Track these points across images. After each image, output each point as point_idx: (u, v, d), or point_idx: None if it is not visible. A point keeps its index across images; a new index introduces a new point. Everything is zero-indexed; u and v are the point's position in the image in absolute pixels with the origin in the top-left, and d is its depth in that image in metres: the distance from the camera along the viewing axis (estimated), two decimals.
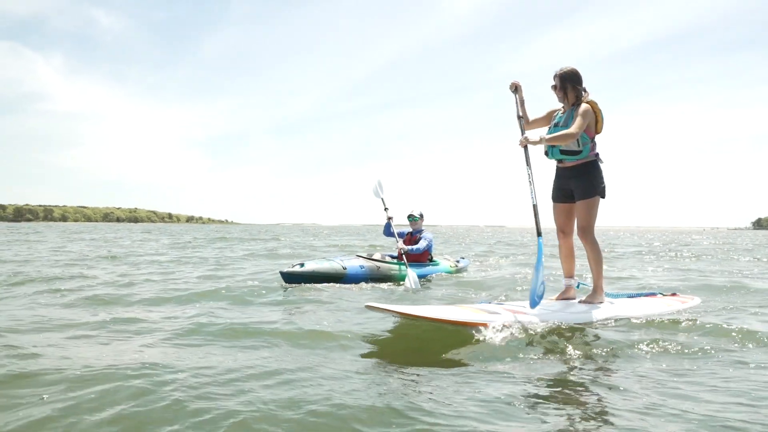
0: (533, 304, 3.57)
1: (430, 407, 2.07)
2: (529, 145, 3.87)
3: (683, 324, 3.70)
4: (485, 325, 3.19)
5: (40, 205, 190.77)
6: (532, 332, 3.28)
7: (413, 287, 5.87)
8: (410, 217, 7.35)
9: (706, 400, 2.22)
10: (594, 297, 4.01)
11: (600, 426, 1.96)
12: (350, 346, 3.07)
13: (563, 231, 4.15)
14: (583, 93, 3.92)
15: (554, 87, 3.99)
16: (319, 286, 5.89)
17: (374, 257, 6.82)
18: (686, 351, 3.02)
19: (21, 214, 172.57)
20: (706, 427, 1.93)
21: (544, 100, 4.21)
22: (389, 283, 6.41)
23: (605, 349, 3.03)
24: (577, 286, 4.31)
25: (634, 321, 3.80)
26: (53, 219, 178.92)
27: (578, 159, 3.90)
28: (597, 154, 3.94)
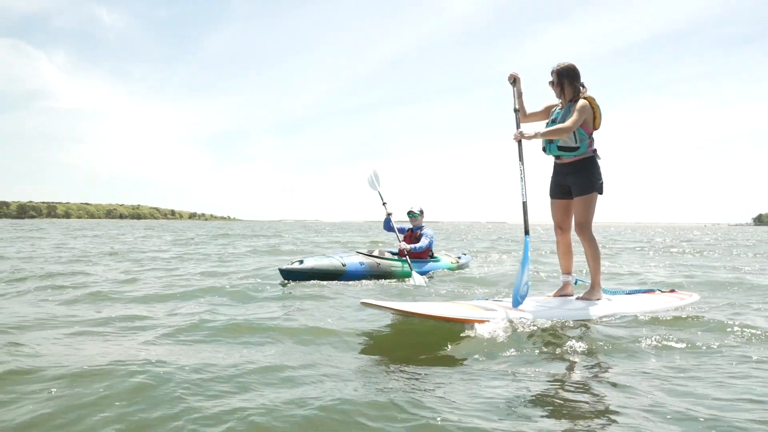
0: (515, 303, 3.52)
1: (429, 404, 2.07)
2: (523, 141, 3.85)
3: (681, 320, 3.69)
4: (481, 322, 3.20)
5: (43, 202, 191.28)
6: (528, 329, 3.28)
7: (421, 284, 5.86)
8: (410, 213, 7.31)
9: (710, 398, 2.21)
10: (591, 294, 4.02)
11: (599, 424, 1.96)
12: (348, 343, 3.08)
13: (561, 227, 4.15)
14: (581, 89, 3.91)
15: (552, 83, 3.98)
16: (318, 283, 5.87)
17: (374, 254, 6.77)
18: (685, 348, 3.01)
19: (24, 211, 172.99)
20: (710, 427, 1.92)
21: (545, 97, 4.17)
22: (389, 280, 6.39)
23: (602, 347, 3.03)
24: (575, 283, 4.31)
25: (632, 318, 3.80)
26: (56, 216, 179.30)
27: (576, 155, 3.89)
28: (595, 150, 3.93)
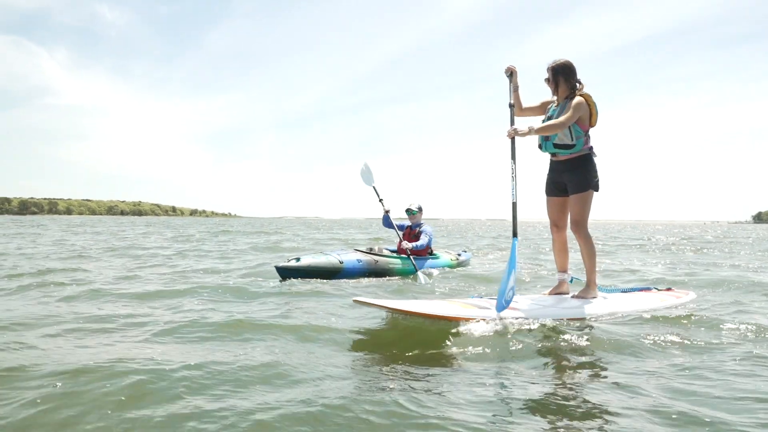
0: (500, 308, 3.38)
1: (424, 404, 2.06)
2: (516, 138, 3.79)
3: (678, 319, 3.68)
4: (475, 321, 3.18)
5: (44, 199, 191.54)
6: (522, 328, 3.26)
7: (427, 283, 5.86)
8: (408, 211, 7.27)
9: (711, 396, 2.20)
10: (587, 292, 4.00)
11: (596, 424, 1.94)
12: (344, 341, 3.07)
13: (557, 225, 4.13)
14: (578, 86, 3.88)
15: (547, 80, 3.95)
16: (315, 280, 5.83)
17: (373, 251, 6.74)
18: (681, 346, 2.99)
19: (26, 207, 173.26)
20: (713, 427, 1.90)
21: (545, 96, 4.15)
22: (388, 278, 6.35)
23: (597, 345, 3.01)
24: (570, 281, 4.29)
25: (628, 316, 3.78)
26: (58, 212, 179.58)
27: (572, 153, 3.86)
28: (591, 148, 3.90)
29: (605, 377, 2.50)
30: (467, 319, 3.18)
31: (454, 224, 76.14)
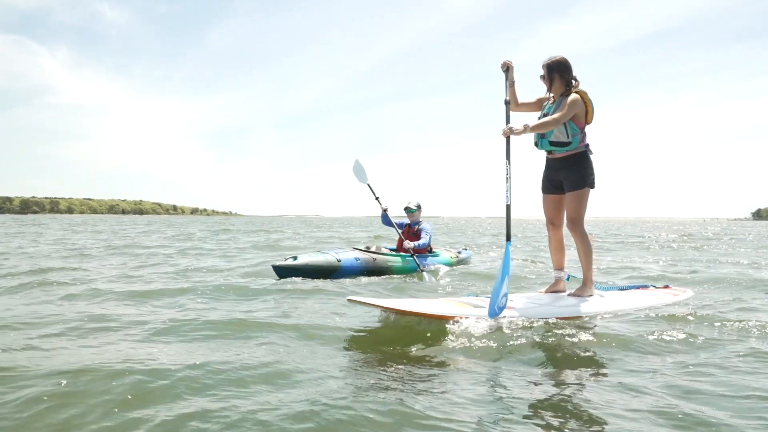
0: (492, 314, 3.27)
1: (423, 403, 2.06)
2: (512, 137, 3.74)
3: (675, 317, 3.66)
4: (469, 319, 3.17)
5: (46, 198, 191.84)
6: (517, 327, 3.23)
7: (432, 281, 5.87)
8: (407, 209, 7.23)
9: (712, 395, 2.20)
10: (583, 290, 3.98)
11: (596, 425, 1.92)
12: (341, 341, 3.05)
13: (553, 223, 4.11)
14: (574, 82, 3.85)
15: (542, 77, 3.92)
16: (312, 280, 5.76)
17: (371, 249, 6.70)
18: (678, 344, 2.97)
19: (27, 206, 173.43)
20: (715, 427, 1.89)
21: (544, 92, 4.13)
22: (386, 276, 6.33)
23: (595, 344, 2.98)
24: (567, 279, 4.27)
25: (624, 315, 3.76)
26: (59, 211, 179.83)
27: (568, 150, 3.84)
28: (587, 145, 3.88)
29: (605, 376, 2.48)
30: (461, 318, 3.17)
31: (454, 222, 76.02)
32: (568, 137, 3.79)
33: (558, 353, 2.84)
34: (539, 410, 2.06)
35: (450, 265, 7.29)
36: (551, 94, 3.95)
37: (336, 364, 2.62)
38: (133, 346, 2.92)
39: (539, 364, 2.66)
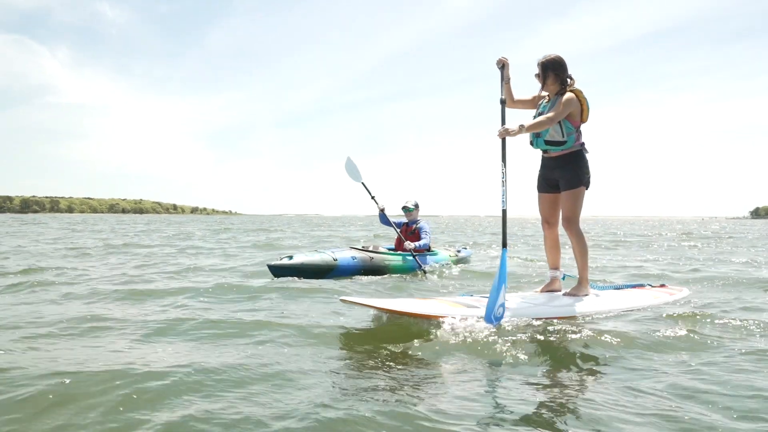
0: (488, 321, 3.20)
1: (416, 405, 2.04)
2: (508, 138, 3.71)
3: (671, 316, 3.64)
4: (463, 319, 3.15)
5: (46, 197, 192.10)
6: (512, 327, 3.21)
7: (431, 279, 5.88)
8: (405, 208, 7.23)
9: (712, 393, 2.18)
10: (579, 289, 3.97)
11: (588, 424, 1.91)
12: (340, 340, 3.04)
13: (548, 222, 4.09)
14: (569, 81, 3.83)
15: (537, 75, 3.90)
16: (308, 279, 5.69)
17: (369, 249, 6.67)
18: (674, 344, 2.95)
19: (28, 206, 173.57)
20: (720, 427, 1.87)
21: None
22: (384, 275, 6.28)
23: (588, 343, 2.96)
24: (563, 278, 4.26)
25: (620, 314, 3.75)
26: (59, 210, 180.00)
27: (563, 149, 3.83)
28: (583, 144, 3.87)
29: (602, 376, 2.46)
30: (457, 318, 3.15)
31: (454, 221, 76.00)
32: (563, 136, 3.77)
33: (553, 353, 2.82)
34: (535, 410, 2.05)
35: (449, 264, 7.31)
36: (546, 93, 3.94)
37: (332, 364, 2.61)
38: (130, 346, 2.91)
39: (534, 364, 2.65)
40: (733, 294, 4.88)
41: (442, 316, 3.16)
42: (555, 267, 4.15)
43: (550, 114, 3.68)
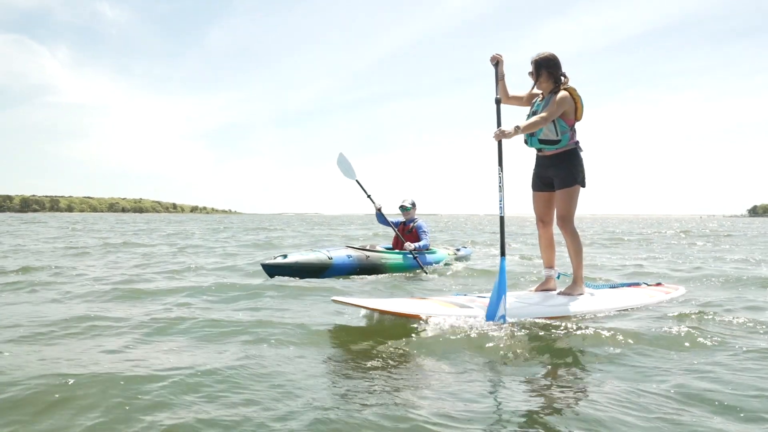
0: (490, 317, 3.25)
1: (414, 405, 2.04)
2: (504, 140, 3.69)
3: (670, 315, 3.62)
4: (457, 319, 3.14)
5: (46, 196, 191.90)
6: (505, 327, 3.17)
7: (432, 278, 5.91)
8: (402, 207, 7.23)
9: (715, 393, 2.18)
10: (574, 288, 3.95)
11: (587, 423, 1.90)
12: (336, 340, 3.05)
13: (543, 220, 4.09)
14: (563, 79, 3.81)
15: (531, 73, 3.88)
16: (303, 279, 5.63)
17: (366, 248, 6.63)
18: (671, 343, 2.91)
19: (28, 205, 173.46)
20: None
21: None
22: (381, 275, 6.27)
23: (583, 343, 2.94)
24: (558, 277, 4.25)
25: (615, 313, 3.74)
26: (59, 209, 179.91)
27: (557, 148, 3.82)
28: (577, 143, 3.86)
29: (603, 376, 2.43)
30: (447, 318, 3.14)
31: (453, 219, 75.87)
32: (557, 135, 3.77)
33: (547, 353, 2.80)
34: (536, 410, 2.04)
35: (449, 263, 7.31)
36: (540, 91, 3.93)
37: (331, 364, 2.61)
38: (130, 345, 2.92)
39: (534, 364, 2.64)
40: (734, 292, 4.86)
41: (433, 316, 3.14)
42: (550, 266, 4.14)
43: (543, 114, 3.68)
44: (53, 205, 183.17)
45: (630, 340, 2.97)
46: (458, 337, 2.98)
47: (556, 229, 4.05)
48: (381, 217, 7.01)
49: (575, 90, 3.78)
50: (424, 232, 7.04)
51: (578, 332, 3.13)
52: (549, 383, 2.38)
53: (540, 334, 3.13)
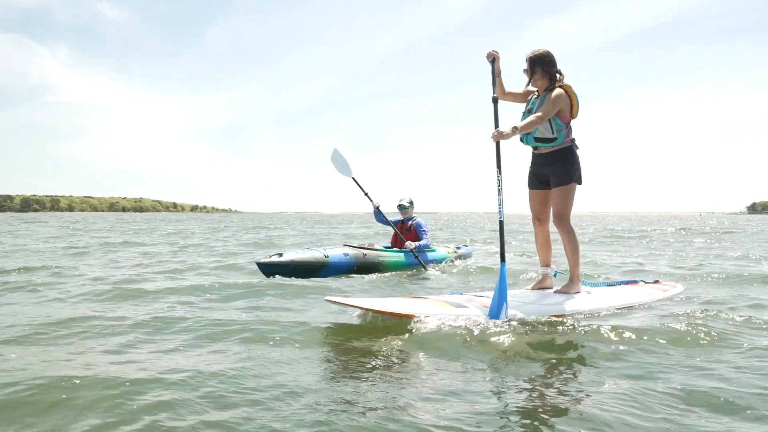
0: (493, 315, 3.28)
1: (413, 405, 2.04)
2: (501, 142, 3.68)
3: (664, 314, 3.61)
4: (455, 318, 3.13)
5: (46, 196, 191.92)
6: (501, 326, 3.14)
7: (432, 277, 5.94)
8: (400, 206, 7.22)
9: (711, 392, 2.16)
10: (570, 287, 3.94)
11: (584, 423, 1.89)
12: (332, 339, 3.04)
13: (539, 218, 4.08)
14: (558, 76, 3.80)
15: (526, 70, 3.88)
16: (299, 278, 5.55)
17: (364, 246, 6.59)
18: (669, 343, 2.89)
19: (28, 205, 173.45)
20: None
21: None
22: (379, 274, 6.22)
23: (587, 342, 2.91)
24: (554, 275, 4.25)
25: (611, 312, 3.73)
26: (60, 209, 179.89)
27: (553, 146, 3.81)
28: (573, 140, 3.85)
29: (604, 375, 2.42)
30: (442, 317, 3.13)
31: (453, 217, 75.82)
32: (553, 133, 3.76)
33: (546, 351, 2.80)
34: (536, 410, 2.04)
35: (449, 261, 7.32)
36: (535, 88, 3.92)
37: (331, 364, 2.62)
38: (130, 345, 2.93)
39: (528, 363, 2.64)
40: (736, 289, 4.85)
41: (429, 316, 3.13)
42: (546, 264, 4.14)
43: (539, 113, 3.68)
44: (53, 204, 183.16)
45: (631, 338, 2.95)
46: (457, 336, 2.97)
47: (553, 227, 4.05)
48: (379, 216, 6.99)
49: (570, 87, 3.78)
50: (425, 231, 7.04)
51: (577, 330, 3.12)
52: (549, 382, 2.37)
53: (538, 332, 3.12)
